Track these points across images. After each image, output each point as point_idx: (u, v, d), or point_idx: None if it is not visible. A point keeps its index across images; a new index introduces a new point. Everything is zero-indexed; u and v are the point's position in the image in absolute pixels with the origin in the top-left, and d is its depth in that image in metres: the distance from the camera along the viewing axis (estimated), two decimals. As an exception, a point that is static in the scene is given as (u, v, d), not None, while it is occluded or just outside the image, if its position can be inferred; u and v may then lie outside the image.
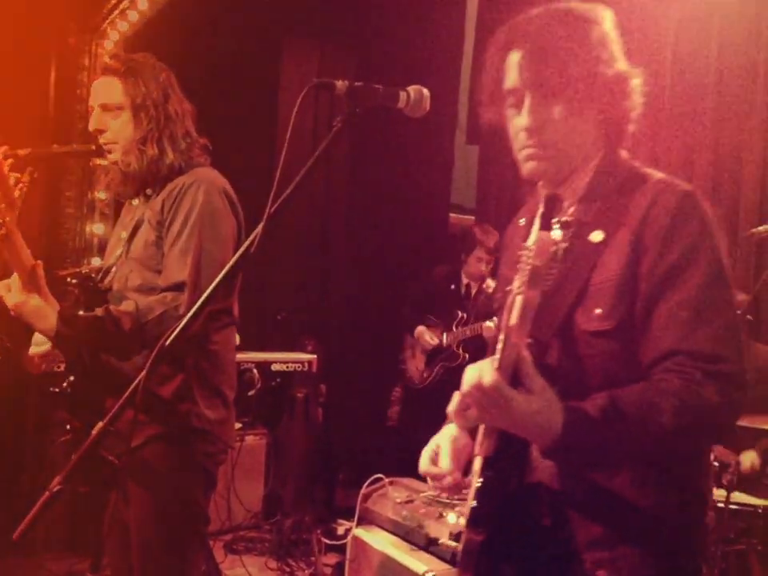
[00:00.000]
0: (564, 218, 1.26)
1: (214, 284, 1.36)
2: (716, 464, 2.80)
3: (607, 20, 1.34)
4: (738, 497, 2.90)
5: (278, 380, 4.25)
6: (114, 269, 2.05)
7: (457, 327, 4.23)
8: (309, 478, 4.21)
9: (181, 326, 1.37)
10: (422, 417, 4.36)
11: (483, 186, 5.48)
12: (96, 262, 2.18)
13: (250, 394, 3.93)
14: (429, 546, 2.71)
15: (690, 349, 1.19)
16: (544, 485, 1.29)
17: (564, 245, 1.29)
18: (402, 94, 1.45)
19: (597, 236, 1.29)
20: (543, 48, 1.29)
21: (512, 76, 1.34)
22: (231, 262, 1.36)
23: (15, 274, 1.80)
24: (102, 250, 2.20)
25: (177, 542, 1.97)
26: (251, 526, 4.13)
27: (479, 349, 4.12)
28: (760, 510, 2.83)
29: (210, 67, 4.25)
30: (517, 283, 1.18)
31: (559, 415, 1.13)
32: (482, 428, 1.29)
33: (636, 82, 1.34)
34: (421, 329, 4.37)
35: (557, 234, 1.19)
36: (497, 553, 1.34)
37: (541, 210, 1.42)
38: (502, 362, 1.13)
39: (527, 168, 1.37)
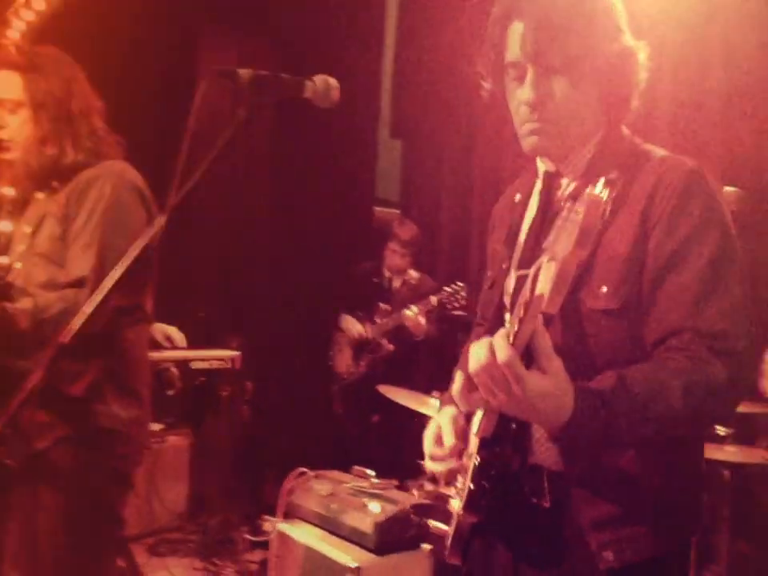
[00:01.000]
0: (610, 176, 1.16)
1: (112, 278, 1.32)
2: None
3: None
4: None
5: (202, 379, 4.18)
6: (18, 264, 1.98)
7: (381, 319, 4.25)
8: (235, 476, 4.16)
9: (80, 322, 1.33)
10: (349, 410, 4.38)
11: (407, 180, 5.52)
12: (3, 259, 2.09)
13: (170, 393, 3.84)
14: (349, 535, 2.72)
15: (696, 326, 1.17)
16: (544, 466, 1.27)
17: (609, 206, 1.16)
18: (309, 84, 1.44)
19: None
20: (548, 20, 1.25)
21: (514, 48, 1.30)
22: (130, 256, 1.32)
23: None
24: (8, 247, 2.12)
25: (90, 547, 1.92)
26: (176, 527, 4.05)
27: (403, 340, 4.17)
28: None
29: (123, 57, 4.13)
30: (552, 247, 1.08)
31: (570, 398, 1.09)
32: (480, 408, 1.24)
33: (641, 57, 1.32)
34: (345, 317, 4.39)
35: (604, 192, 1.10)
36: (490, 537, 1.34)
37: (539, 186, 1.41)
38: (517, 337, 1.05)
39: (528, 143, 1.34)
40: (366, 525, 2.68)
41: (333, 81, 1.45)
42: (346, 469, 3.16)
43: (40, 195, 2.03)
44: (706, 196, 1.24)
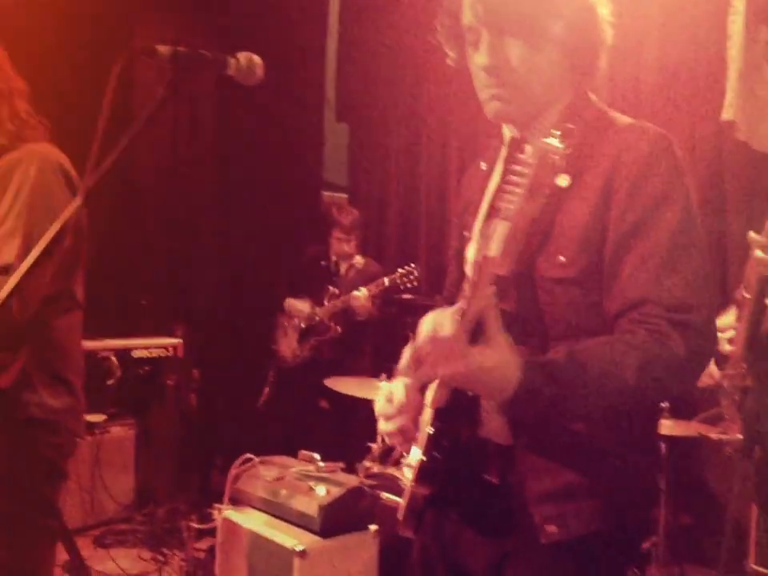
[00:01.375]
0: (567, 125, 1.15)
1: (26, 264, 1.27)
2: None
3: None
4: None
5: (147, 368, 4.11)
6: None
7: (329, 301, 4.25)
8: (182, 465, 4.11)
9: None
10: (295, 395, 4.37)
11: (354, 164, 5.50)
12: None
13: (109, 383, 3.77)
14: (295, 519, 2.72)
15: (658, 298, 1.15)
16: (492, 439, 1.26)
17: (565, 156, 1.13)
18: (231, 61, 1.41)
19: (563, 180, 1.19)
20: None
21: (467, 12, 1.27)
22: (44, 241, 1.28)
23: None
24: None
25: (22, 538, 1.88)
26: (122, 518, 4.01)
27: (349, 322, 4.17)
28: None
29: (55, 43, 4.01)
30: (505, 204, 1.03)
31: (516, 372, 1.08)
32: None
33: (604, 12, 1.28)
34: (290, 300, 4.38)
35: (556, 142, 1.05)
36: (441, 509, 1.31)
37: (504, 153, 1.39)
38: (467, 312, 1.04)
39: (490, 109, 1.30)
40: (311, 508, 2.69)
41: (256, 58, 1.43)
42: (293, 454, 3.15)
43: None
44: (670, 165, 1.21)
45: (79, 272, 2.01)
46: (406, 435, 1.33)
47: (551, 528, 1.22)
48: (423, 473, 1.22)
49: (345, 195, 5.62)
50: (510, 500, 1.26)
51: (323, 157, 5.63)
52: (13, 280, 1.27)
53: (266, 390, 4.42)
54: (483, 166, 1.48)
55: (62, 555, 2.71)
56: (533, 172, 1.02)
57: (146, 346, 4.09)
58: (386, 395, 1.38)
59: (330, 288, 4.28)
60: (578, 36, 1.26)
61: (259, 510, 2.89)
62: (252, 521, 2.81)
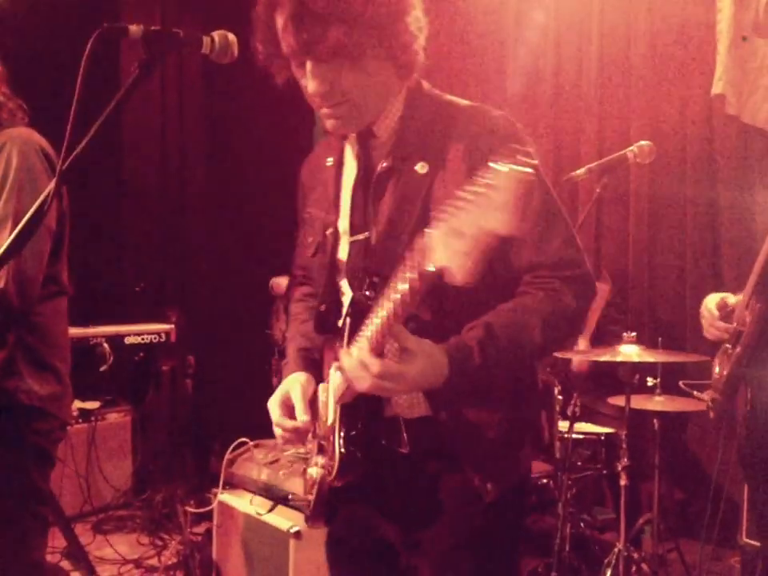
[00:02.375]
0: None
1: (4, 246, 1.26)
2: (559, 397, 2.97)
3: None
4: (582, 426, 3.09)
5: (141, 354, 4.11)
6: None
7: None
8: (179, 450, 4.12)
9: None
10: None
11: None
12: None
13: (102, 369, 3.77)
14: (288, 500, 2.73)
15: (546, 260, 1.27)
16: (401, 416, 1.33)
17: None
18: (206, 39, 1.36)
19: (422, 168, 1.30)
20: (304, 10, 1.23)
21: (285, 42, 1.29)
22: (21, 225, 1.27)
23: None
24: None
25: (14, 527, 1.88)
26: (121, 504, 4.02)
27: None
28: (602, 438, 3.04)
29: (44, 25, 3.97)
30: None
31: (444, 361, 1.18)
32: (338, 375, 1.30)
33: (414, 13, 1.30)
34: (274, 279, 4.36)
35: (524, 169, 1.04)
36: (351, 494, 1.38)
37: (354, 148, 1.42)
38: (372, 341, 1.14)
39: (330, 126, 1.36)
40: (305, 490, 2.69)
41: (231, 36, 1.39)
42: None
43: None
44: (523, 142, 1.27)
45: (63, 257, 2.01)
46: (299, 441, 1.44)
47: (491, 486, 1.31)
48: (344, 466, 1.29)
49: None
50: (418, 468, 1.34)
51: (313, 137, 5.60)
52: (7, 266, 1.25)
53: (275, 380, 4.41)
54: (329, 161, 1.49)
55: (61, 542, 2.74)
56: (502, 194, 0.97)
57: (139, 332, 4.08)
58: (281, 401, 1.44)
59: None
60: (393, 46, 1.29)
61: (254, 492, 2.90)
62: (246, 504, 2.83)
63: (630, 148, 2.56)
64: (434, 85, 1.45)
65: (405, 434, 1.32)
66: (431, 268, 0.98)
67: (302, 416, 1.39)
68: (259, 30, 1.34)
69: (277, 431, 1.45)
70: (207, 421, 4.48)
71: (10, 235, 1.73)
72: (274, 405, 1.45)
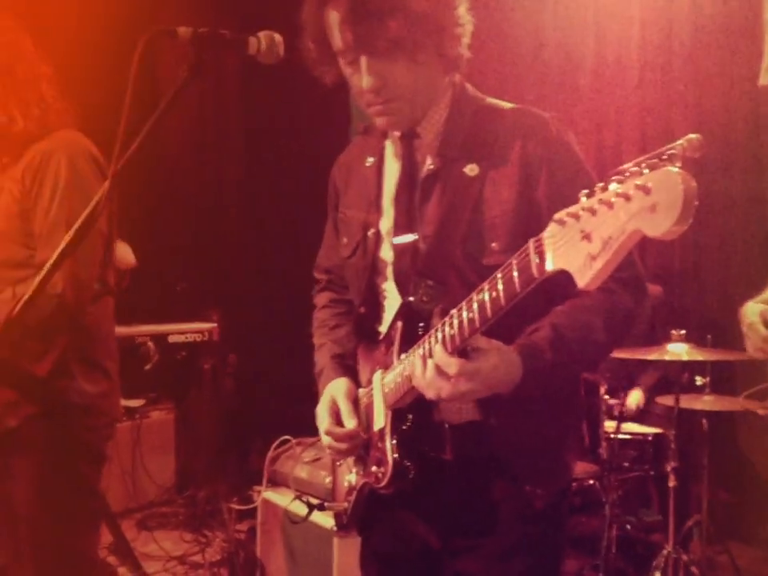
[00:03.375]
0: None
1: (58, 251, 1.28)
2: (606, 397, 2.92)
3: None
4: (629, 426, 3.04)
5: (183, 353, 4.16)
6: None
7: None
8: (221, 447, 4.17)
9: (29, 295, 1.30)
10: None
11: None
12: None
13: (147, 368, 3.83)
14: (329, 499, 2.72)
15: None
16: (446, 421, 1.31)
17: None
18: (252, 40, 1.37)
19: (472, 170, 1.29)
20: (361, 6, 1.23)
21: (337, 38, 1.29)
22: (75, 227, 1.28)
23: None
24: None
25: (66, 520, 1.92)
26: (164, 501, 4.07)
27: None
28: (650, 438, 2.98)
29: (75, 26, 4.02)
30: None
31: (516, 357, 1.17)
32: (393, 380, 1.29)
33: (462, 7, 1.32)
34: None
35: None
36: (393, 501, 1.36)
37: (397, 149, 1.41)
38: (450, 344, 1.13)
39: (381, 123, 1.36)
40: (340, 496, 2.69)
41: (277, 37, 1.39)
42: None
43: None
44: (572, 144, 1.31)
45: (111, 258, 2.04)
46: (350, 453, 1.41)
47: (540, 492, 1.30)
48: (397, 473, 1.27)
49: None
50: (464, 477, 1.32)
51: (349, 135, 5.60)
52: (48, 269, 1.27)
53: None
54: (370, 160, 1.47)
55: (107, 537, 2.79)
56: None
57: (182, 331, 4.13)
58: (329, 408, 1.42)
59: None
60: (444, 40, 1.30)
61: (297, 490, 2.91)
62: (289, 501, 2.83)
63: (679, 141, 2.49)
64: (469, 78, 1.45)
65: (450, 440, 1.30)
66: (549, 268, 0.96)
67: (349, 421, 1.38)
68: (308, 27, 1.35)
69: (326, 440, 1.42)
70: (248, 419, 4.51)
71: (61, 241, 1.79)
72: (323, 413, 1.43)
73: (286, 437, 3.11)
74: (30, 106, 1.90)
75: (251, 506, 3.11)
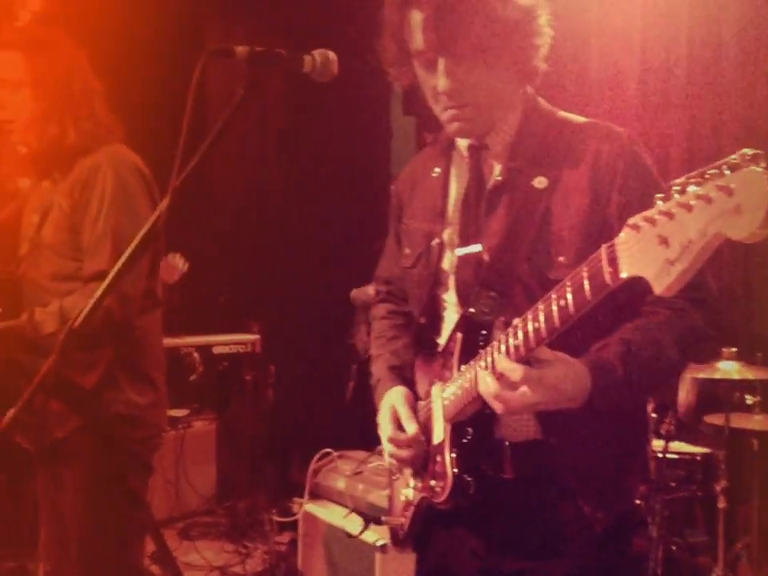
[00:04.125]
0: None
1: (118, 265, 1.30)
2: (653, 415, 2.86)
3: None
4: (677, 446, 2.97)
5: (225, 364, 4.20)
6: (25, 255, 1.99)
7: None
8: (261, 459, 4.19)
9: (88, 308, 1.32)
10: (369, 389, 4.37)
11: (420, 155, 5.45)
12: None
13: (191, 378, 3.87)
14: (375, 515, 2.71)
15: None
16: (507, 439, 1.29)
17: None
18: (307, 58, 1.38)
19: (540, 182, 1.27)
20: (447, 8, 1.23)
21: (418, 38, 1.28)
22: (135, 242, 1.30)
23: None
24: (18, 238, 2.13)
25: (112, 528, 1.94)
26: (205, 511, 4.11)
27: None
28: (698, 458, 2.91)
29: (129, 42, 4.11)
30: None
31: (584, 370, 1.14)
32: (452, 393, 1.27)
33: (543, 18, 1.31)
34: (355, 291, 4.38)
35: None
36: (451, 519, 1.34)
37: (464, 160, 1.41)
38: (515, 354, 1.11)
39: (452, 129, 1.35)
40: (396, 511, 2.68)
41: (332, 54, 1.40)
42: (370, 448, 3.16)
43: (45, 185, 2.03)
44: (646, 160, 1.29)
45: (158, 271, 2.06)
46: (411, 462, 1.38)
47: (601, 515, 1.26)
48: (456, 488, 1.25)
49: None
50: (525, 497, 1.28)
51: (390, 150, 5.61)
52: (108, 282, 1.29)
53: (351, 384, 4.43)
54: (436, 171, 1.46)
55: (149, 546, 2.81)
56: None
57: (226, 343, 4.18)
58: (391, 416, 1.41)
59: None
60: (521, 48, 1.30)
61: (338, 503, 2.91)
62: (332, 514, 2.84)
63: (732, 157, 2.45)
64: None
65: (509, 459, 1.28)
66: (623, 275, 0.93)
67: (410, 426, 1.36)
68: (388, 26, 1.34)
69: (389, 448, 1.40)
70: (287, 430, 4.53)
71: (109, 253, 1.82)
72: (384, 421, 1.42)
73: (328, 450, 3.11)
74: (82, 120, 1.94)
75: (292, 518, 3.12)
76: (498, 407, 1.14)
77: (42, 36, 1.97)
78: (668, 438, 2.73)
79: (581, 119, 1.35)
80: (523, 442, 1.29)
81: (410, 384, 1.47)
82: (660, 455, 2.75)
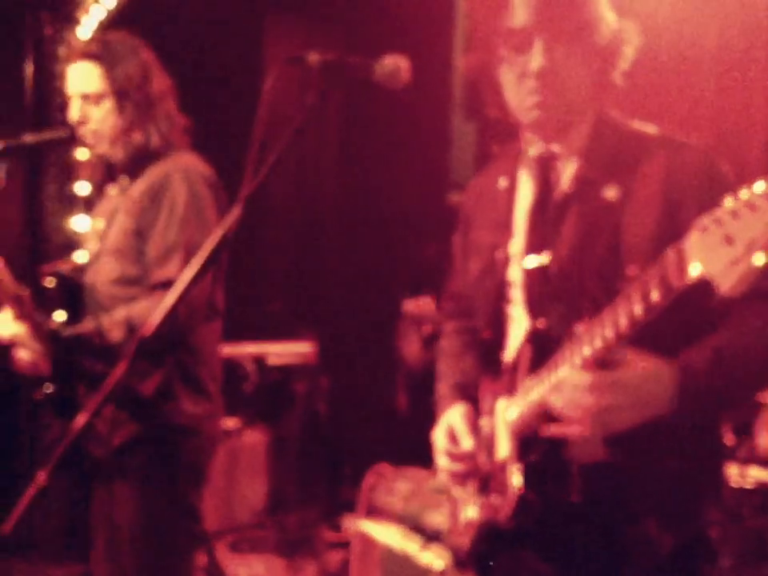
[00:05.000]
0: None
1: (189, 274, 1.28)
2: (730, 439, 2.74)
3: None
4: (755, 473, 2.83)
5: (278, 374, 4.20)
6: (91, 259, 2.02)
7: None
8: (312, 473, 4.16)
9: (159, 319, 1.30)
10: (424, 402, 4.32)
11: (482, 164, 5.40)
12: (81, 255, 2.15)
13: (245, 388, 3.87)
14: (433, 536, 2.65)
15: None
16: (574, 460, 1.24)
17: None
18: (377, 66, 1.38)
19: (611, 192, 1.25)
20: None
21: (521, 14, 1.27)
22: (206, 251, 1.29)
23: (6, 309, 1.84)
24: (83, 244, 2.17)
25: (167, 540, 1.95)
26: (255, 524, 4.09)
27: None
28: (776, 486, 2.77)
29: (190, 49, 4.17)
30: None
31: (668, 370, 1.10)
32: (518, 408, 1.26)
33: (633, 33, 1.31)
34: (409, 302, 4.34)
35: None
36: (515, 540, 1.31)
37: (532, 170, 1.38)
38: (585, 364, 1.08)
39: (531, 116, 1.31)
40: (446, 524, 2.61)
41: (402, 62, 1.39)
42: (418, 463, 3.10)
43: (112, 190, 2.04)
44: (725, 176, 1.25)
45: (220, 281, 2.05)
46: (465, 477, 1.37)
47: (667, 537, 1.22)
48: (520, 506, 1.22)
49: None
50: (591, 520, 1.24)
51: (450, 157, 5.58)
52: (180, 292, 1.28)
53: (402, 396, 4.38)
54: (503, 182, 1.44)
55: (200, 558, 2.80)
56: None
57: (280, 353, 4.18)
58: (447, 431, 1.41)
59: None
60: (609, 54, 1.30)
61: (394, 522, 2.85)
62: (387, 534, 2.78)
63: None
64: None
65: (577, 481, 1.23)
66: (691, 276, 0.91)
67: (465, 441, 1.36)
68: (486, 5, 1.34)
69: (442, 463, 1.41)
70: (339, 445, 4.50)
71: (179, 263, 1.82)
72: (439, 435, 1.42)
73: (382, 465, 3.07)
74: (159, 122, 1.96)
75: (344, 535, 3.07)
76: (572, 414, 1.11)
77: (113, 43, 1.98)
78: (745, 464, 2.61)
79: (654, 130, 1.33)
80: (592, 465, 1.23)
81: (473, 401, 1.46)
82: (736, 482, 2.62)
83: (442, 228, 5.25)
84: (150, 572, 1.93)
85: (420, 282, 4.45)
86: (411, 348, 4.38)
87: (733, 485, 2.65)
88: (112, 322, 1.83)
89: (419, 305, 4.30)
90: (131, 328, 1.80)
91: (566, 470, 1.24)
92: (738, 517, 2.66)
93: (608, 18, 1.29)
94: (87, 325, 1.86)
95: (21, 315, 1.81)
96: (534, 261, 1.32)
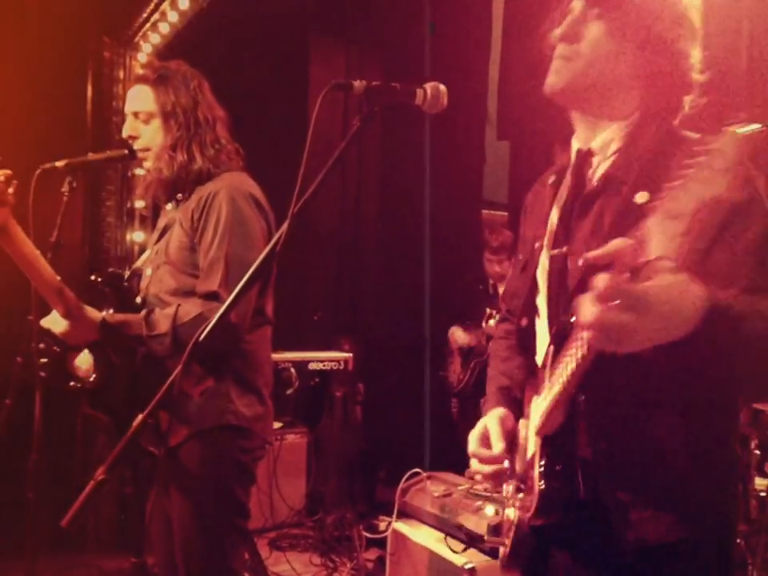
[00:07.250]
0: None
1: (240, 285, 1.38)
2: (757, 452, 2.75)
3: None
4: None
5: (317, 379, 4.31)
6: (149, 272, 2.11)
7: (485, 323, 4.24)
8: (349, 475, 4.25)
9: (212, 324, 1.40)
10: (467, 417, 4.39)
11: (515, 182, 5.46)
12: (137, 267, 2.27)
13: (288, 392, 3.99)
14: (467, 539, 2.72)
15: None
16: (582, 457, 1.24)
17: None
18: (420, 91, 1.44)
19: (642, 197, 1.15)
20: None
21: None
22: (257, 263, 1.38)
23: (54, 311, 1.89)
24: (140, 257, 2.29)
25: (217, 537, 2.02)
26: (294, 523, 4.19)
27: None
28: (805, 498, 2.77)
29: (238, 72, 4.32)
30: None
31: (694, 286, 0.99)
32: (542, 405, 1.25)
33: (695, 64, 1.27)
34: (453, 328, 4.41)
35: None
36: (548, 538, 1.31)
37: (573, 165, 1.39)
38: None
39: (548, 82, 1.32)
40: (480, 527, 2.68)
41: (442, 87, 1.45)
42: (451, 469, 3.18)
43: (168, 206, 2.16)
44: (744, 171, 1.17)
45: (270, 291, 2.16)
46: (500, 479, 1.35)
47: (630, 534, 1.20)
48: (544, 502, 1.20)
49: (505, 213, 5.59)
50: (598, 515, 1.22)
51: (484, 175, 5.63)
52: (232, 299, 1.37)
53: (455, 411, 4.43)
54: (551, 179, 1.46)
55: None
56: None
57: (321, 359, 4.29)
58: (480, 434, 1.40)
59: (488, 310, 4.27)
60: (666, 67, 1.25)
61: (426, 524, 2.93)
62: (421, 535, 2.86)
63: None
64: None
65: (581, 477, 1.22)
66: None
67: (496, 444, 1.35)
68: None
69: (473, 464, 1.40)
70: (375, 448, 4.59)
71: (221, 276, 1.92)
72: (472, 437, 1.42)
73: (417, 470, 3.14)
74: (207, 147, 2.07)
75: (380, 535, 3.16)
76: (588, 318, 0.97)
77: (168, 70, 2.12)
78: (772, 477, 2.62)
79: (692, 135, 1.27)
80: (592, 460, 1.22)
81: (517, 403, 1.45)
82: (762, 494, 2.64)
83: (474, 243, 5.31)
84: (202, 565, 1.99)
85: (456, 303, 4.53)
86: (453, 368, 4.45)
87: (759, 496, 2.67)
88: (161, 315, 1.92)
89: (464, 339, 4.37)
90: (176, 323, 1.88)
91: (572, 465, 1.22)
92: (767, 528, 2.67)
93: (678, 28, 1.24)
94: (137, 315, 1.95)
95: (66, 312, 1.87)
96: (555, 253, 1.33)
